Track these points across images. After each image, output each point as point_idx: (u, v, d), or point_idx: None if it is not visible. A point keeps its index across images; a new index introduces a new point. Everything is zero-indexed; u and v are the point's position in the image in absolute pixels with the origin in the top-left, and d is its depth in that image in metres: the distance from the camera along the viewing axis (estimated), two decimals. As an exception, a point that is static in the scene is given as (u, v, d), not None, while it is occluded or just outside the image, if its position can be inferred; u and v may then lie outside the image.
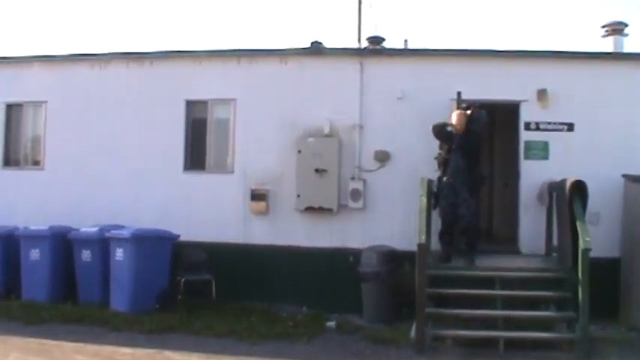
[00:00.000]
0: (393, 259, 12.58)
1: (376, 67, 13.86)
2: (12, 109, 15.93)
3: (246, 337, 11.32)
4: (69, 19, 43.93)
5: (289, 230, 13.97)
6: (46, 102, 15.57)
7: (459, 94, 12.97)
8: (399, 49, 14.30)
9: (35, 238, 13.89)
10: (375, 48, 14.29)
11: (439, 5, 40.96)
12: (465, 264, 11.80)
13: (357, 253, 12.98)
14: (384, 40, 14.53)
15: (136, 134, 14.87)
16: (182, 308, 12.80)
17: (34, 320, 12.34)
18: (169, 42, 44.00)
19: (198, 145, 14.78)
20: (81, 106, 15.32)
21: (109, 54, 15.35)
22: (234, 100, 14.48)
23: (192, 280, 13.41)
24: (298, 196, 13.85)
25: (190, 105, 14.81)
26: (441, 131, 12.09)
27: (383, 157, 13.61)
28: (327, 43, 14.20)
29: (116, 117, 15.07)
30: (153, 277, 13.07)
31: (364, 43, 14.71)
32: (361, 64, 13.80)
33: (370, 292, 12.59)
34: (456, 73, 13.49)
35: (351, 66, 13.85)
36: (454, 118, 11.97)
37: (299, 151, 13.86)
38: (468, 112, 11.99)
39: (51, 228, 13.94)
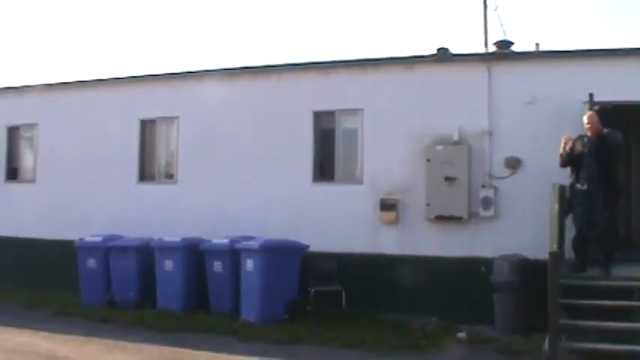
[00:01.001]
0: (526, 268, 12.16)
1: (504, 72, 13.46)
2: (146, 124, 16.42)
3: (376, 349, 11.15)
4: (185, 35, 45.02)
5: (419, 240, 13.73)
6: (178, 117, 15.95)
7: (591, 96, 12.41)
8: (528, 52, 13.82)
9: (169, 249, 14.24)
10: (503, 52, 13.93)
11: (567, 6, 39.79)
12: (601, 273, 11.25)
13: (488, 262, 12.59)
14: (512, 43, 14.16)
15: (264, 146, 15.04)
16: (311, 319, 12.81)
17: (167, 329, 12.62)
18: (294, 54, 44.56)
19: (327, 155, 14.79)
20: (211, 120, 15.64)
21: (238, 69, 15.61)
22: (361, 109, 14.40)
23: (321, 290, 13.40)
24: (428, 204, 13.61)
25: (318, 116, 14.82)
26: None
27: (514, 164, 13.20)
28: (453, 49, 13.97)
29: (245, 130, 15.29)
30: (282, 288, 13.12)
31: (491, 48, 14.38)
32: (489, 68, 13.43)
33: (502, 302, 12.19)
34: (587, 75, 12.92)
35: (478, 71, 13.51)
36: (585, 120, 11.45)
37: (428, 160, 13.63)
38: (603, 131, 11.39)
39: (183, 240, 14.25)
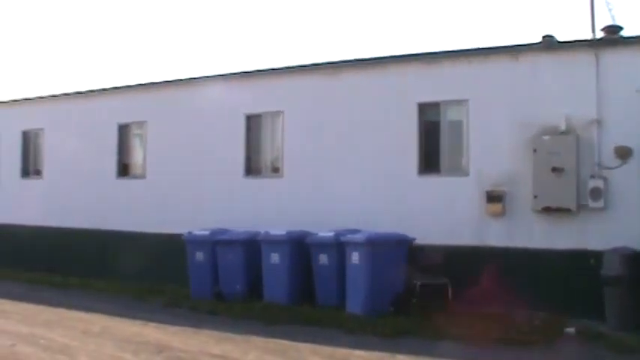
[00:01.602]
0: (637, 262, 11.78)
1: (613, 58, 13.00)
2: (251, 119, 16.63)
3: (482, 343, 10.97)
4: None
5: (526, 232, 13.46)
6: (283, 111, 16.11)
7: None
8: (638, 37, 13.34)
9: (275, 242, 14.43)
10: (612, 38, 13.45)
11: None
12: None
13: (598, 255, 12.25)
14: (621, 28, 13.66)
15: (369, 139, 15.04)
16: (417, 312, 12.72)
17: (273, 321, 12.83)
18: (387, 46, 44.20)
19: (432, 147, 14.65)
20: (316, 114, 15.75)
21: (342, 62, 15.63)
22: (466, 100, 14.21)
23: (427, 283, 13.31)
24: (535, 196, 13.33)
25: (422, 108, 14.70)
26: None
27: (624, 153, 12.75)
28: (559, 36, 13.60)
29: (349, 123, 15.32)
30: (388, 281, 13.12)
31: (599, 34, 13.92)
32: (597, 55, 13.00)
33: (614, 296, 11.82)
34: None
35: (585, 58, 13.10)
36: None
37: (534, 150, 13.35)
38: None
39: (289, 233, 14.41)
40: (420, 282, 13.28)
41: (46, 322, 13.13)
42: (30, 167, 21.68)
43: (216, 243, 15.14)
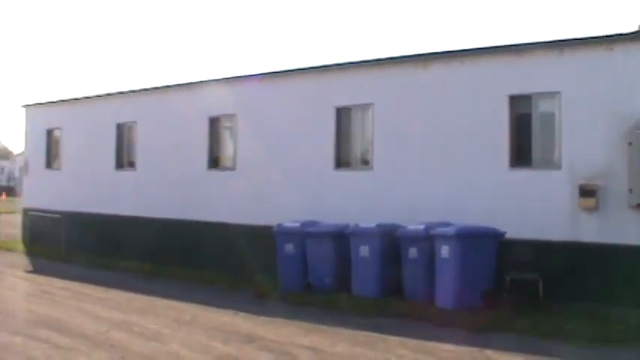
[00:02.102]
0: None
1: None
2: (341, 112, 16.66)
3: (574, 340, 10.81)
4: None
5: (620, 227, 13.09)
6: (372, 104, 16.08)
7: None
8: None
9: (364, 235, 14.45)
10: None
11: None
12: None
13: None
14: None
15: (460, 131, 14.89)
16: (507, 307, 12.57)
17: (362, 314, 12.89)
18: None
19: (523, 140, 14.42)
20: (406, 106, 15.68)
21: (431, 54, 15.51)
22: (558, 92, 13.93)
23: (518, 278, 13.15)
24: (630, 190, 12.98)
25: (513, 100, 14.47)
26: None
27: None
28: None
29: (440, 115, 15.20)
30: (478, 275, 13.05)
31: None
32: (696, 45, 12.65)
33: None
34: None
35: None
36: None
37: (629, 143, 12.99)
38: None
39: (379, 226, 14.41)
40: (511, 277, 13.13)
41: (138, 310, 13.52)
42: (124, 159, 22.23)
43: (305, 235, 15.25)
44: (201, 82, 19.83)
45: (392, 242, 14.25)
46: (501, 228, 13.42)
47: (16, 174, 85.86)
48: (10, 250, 24.28)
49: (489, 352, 10.19)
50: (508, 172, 14.43)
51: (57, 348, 10.25)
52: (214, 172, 19.33)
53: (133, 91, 21.94)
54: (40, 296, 15.15)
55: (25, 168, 27.46)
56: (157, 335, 11.21)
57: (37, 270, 19.50)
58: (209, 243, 18.56)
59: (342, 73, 16.81)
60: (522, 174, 14.30)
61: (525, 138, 14.39)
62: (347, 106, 16.62)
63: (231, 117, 18.98)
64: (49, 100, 25.93)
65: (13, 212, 39.49)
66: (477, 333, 11.37)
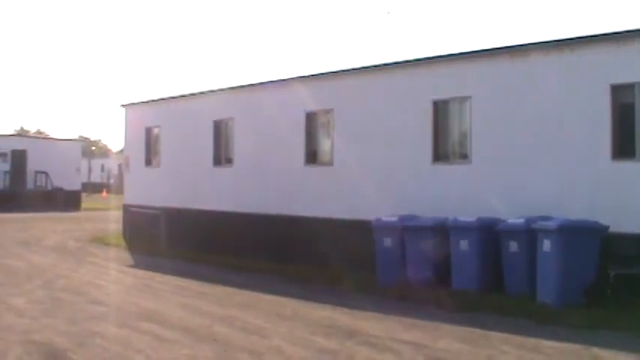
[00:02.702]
0: None
1: None
2: (438, 105, 16.50)
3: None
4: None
5: None
6: (470, 97, 15.88)
7: None
8: None
9: (464, 229, 14.37)
10: None
11: None
12: None
13: None
14: None
15: (558, 123, 14.57)
16: (611, 304, 12.30)
17: (462, 309, 12.79)
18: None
19: (627, 131, 13.99)
20: (504, 98, 15.44)
21: (529, 44, 15.18)
22: (663, 81, 13.50)
23: (622, 274, 12.83)
24: None
25: (616, 90, 14.05)
26: None
27: None
28: None
29: (539, 107, 14.89)
30: (580, 270, 12.80)
31: None
32: None
33: None
34: None
35: None
36: None
37: None
38: None
39: (479, 220, 14.30)
40: (615, 272, 12.81)
41: (239, 304, 13.72)
42: (221, 156, 22.55)
43: (404, 229, 15.23)
44: (298, 77, 19.96)
45: (492, 236, 14.12)
46: (604, 221, 13.09)
47: (114, 171, 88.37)
48: (110, 245, 24.98)
49: (596, 350, 9.96)
50: (610, 163, 14.03)
51: (161, 340, 10.52)
52: (311, 168, 19.42)
53: (231, 88, 22.21)
54: (142, 290, 15.57)
55: (125, 165, 28.20)
56: (258, 329, 11.36)
57: (137, 264, 20.05)
58: (306, 238, 18.68)
59: (439, 66, 16.64)
60: (626, 166, 13.88)
61: (629, 129, 13.94)
62: (444, 99, 16.45)
63: (328, 112, 19.03)
64: (148, 99, 26.55)
65: (107, 209, 40.74)
66: (580, 330, 11.15)
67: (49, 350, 9.87)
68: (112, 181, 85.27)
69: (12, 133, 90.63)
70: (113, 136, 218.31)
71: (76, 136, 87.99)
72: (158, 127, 25.58)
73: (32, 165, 49.98)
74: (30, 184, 50.07)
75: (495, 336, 10.88)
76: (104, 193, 69.56)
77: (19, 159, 49.85)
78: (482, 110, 15.72)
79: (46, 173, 49.59)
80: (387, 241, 15.49)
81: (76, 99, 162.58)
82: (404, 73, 17.29)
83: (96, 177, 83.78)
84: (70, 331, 11.06)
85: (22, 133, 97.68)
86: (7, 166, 49.47)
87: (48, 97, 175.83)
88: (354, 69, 18.40)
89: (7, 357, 9.51)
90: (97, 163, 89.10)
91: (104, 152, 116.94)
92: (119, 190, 60.82)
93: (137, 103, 27.16)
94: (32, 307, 13.14)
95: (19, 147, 50.76)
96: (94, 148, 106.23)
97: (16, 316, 12.30)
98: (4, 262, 19.66)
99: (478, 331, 11.19)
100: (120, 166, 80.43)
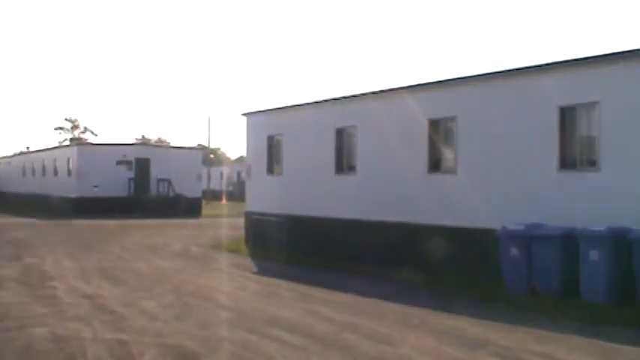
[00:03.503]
0: None
1: None
2: (565, 111, 16.10)
3: None
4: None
5: None
6: (598, 102, 15.42)
7: None
8: None
9: (594, 238, 13.99)
10: None
11: None
12: None
13: None
14: None
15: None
16: None
17: (592, 321, 12.46)
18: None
19: None
20: (635, 103, 14.87)
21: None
22: None
23: None
24: None
25: None
26: None
27: None
28: None
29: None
30: None
31: None
32: None
33: None
34: None
35: None
36: None
37: None
38: None
39: (610, 229, 13.89)
40: None
41: (364, 312, 13.76)
42: (344, 163, 22.64)
43: (531, 238, 14.97)
44: (421, 85, 19.90)
45: (623, 246, 13.67)
46: None
47: (233, 178, 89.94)
48: (233, 251, 25.45)
49: None
50: None
51: (291, 347, 10.63)
52: (434, 176, 19.32)
53: (353, 96, 22.32)
54: (268, 296, 15.76)
55: (247, 173, 28.66)
56: (386, 338, 11.35)
57: (261, 271, 20.32)
58: (429, 245, 18.52)
59: (564, 72, 16.25)
60: None
61: None
62: (571, 105, 16.05)
63: (451, 119, 18.89)
64: (270, 108, 26.89)
65: (227, 216, 41.60)
66: None
67: (182, 354, 10.14)
68: (230, 188, 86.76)
69: (135, 142, 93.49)
70: (230, 144, 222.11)
71: (194, 144, 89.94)
72: (280, 135, 25.89)
73: (155, 172, 51.47)
74: (153, 191, 51.49)
75: (630, 350, 10.58)
76: (223, 200, 70.92)
77: (142, 167, 51.45)
78: (612, 116, 15.15)
79: (168, 180, 50.86)
80: (514, 250, 15.23)
81: (195, 108, 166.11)
82: (528, 79, 16.95)
83: (215, 184, 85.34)
84: (200, 335, 11.33)
85: (144, 142, 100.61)
86: (131, 174, 51.06)
87: (167, 106, 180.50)
88: (477, 75, 18.18)
89: (144, 359, 9.82)
90: (215, 171, 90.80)
91: (222, 160, 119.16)
92: (238, 197, 61.96)
93: (258, 112, 27.53)
94: (163, 310, 13.53)
95: (143, 155, 52.38)
96: (212, 155, 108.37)
97: (149, 319, 12.67)
98: (134, 267, 20.38)
99: (611, 345, 10.89)
100: (239, 173, 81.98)
